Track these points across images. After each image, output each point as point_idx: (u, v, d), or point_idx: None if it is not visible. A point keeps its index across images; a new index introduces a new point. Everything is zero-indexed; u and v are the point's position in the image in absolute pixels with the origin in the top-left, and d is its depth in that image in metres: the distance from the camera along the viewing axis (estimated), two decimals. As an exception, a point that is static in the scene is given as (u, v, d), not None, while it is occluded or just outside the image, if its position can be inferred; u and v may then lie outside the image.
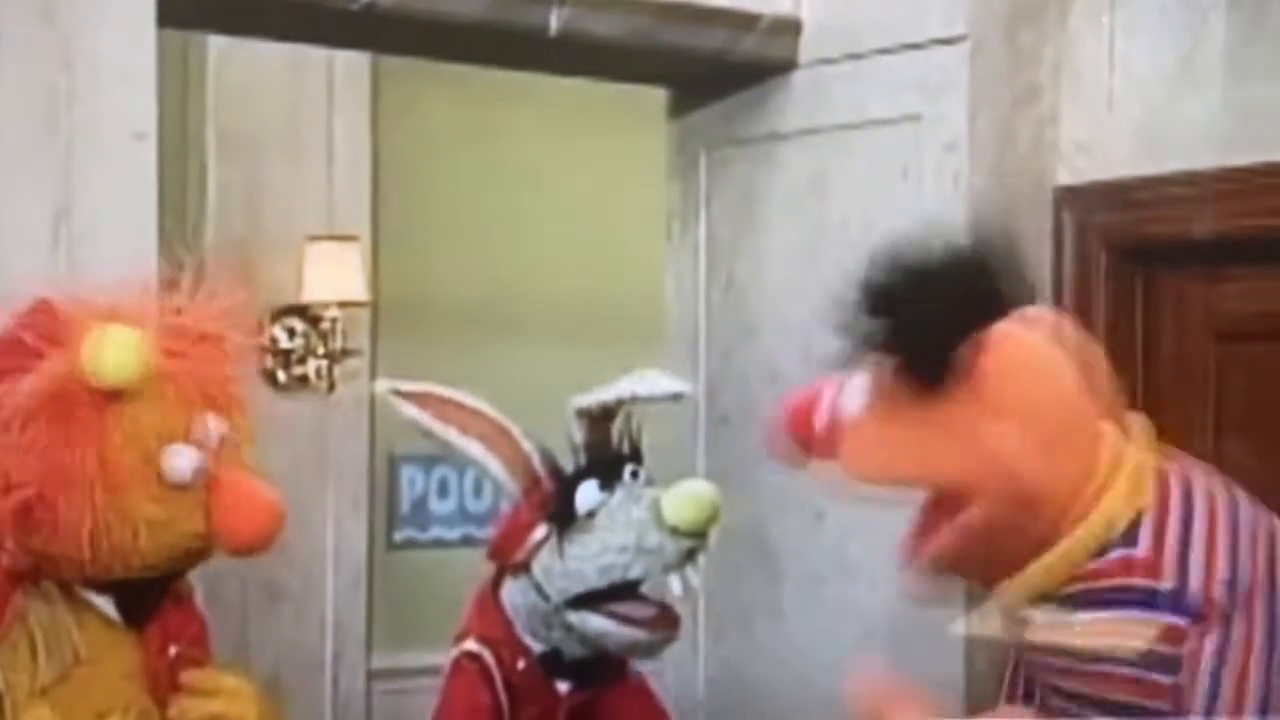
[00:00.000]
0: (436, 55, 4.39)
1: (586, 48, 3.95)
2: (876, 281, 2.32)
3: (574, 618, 3.05)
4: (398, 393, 3.08)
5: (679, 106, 4.48)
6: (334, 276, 5.77)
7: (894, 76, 3.93)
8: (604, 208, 6.25)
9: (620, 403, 3.07)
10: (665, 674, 4.18)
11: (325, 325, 5.85)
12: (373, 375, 5.55)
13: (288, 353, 5.85)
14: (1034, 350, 2.36)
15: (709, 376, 4.33)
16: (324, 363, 5.88)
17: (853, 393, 2.39)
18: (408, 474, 6.22)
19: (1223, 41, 3.65)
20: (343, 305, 5.81)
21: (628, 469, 3.08)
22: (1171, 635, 2.26)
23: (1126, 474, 2.33)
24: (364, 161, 6.04)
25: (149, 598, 2.62)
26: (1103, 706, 2.31)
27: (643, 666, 3.36)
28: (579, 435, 3.08)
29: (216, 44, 5.58)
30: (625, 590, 3.04)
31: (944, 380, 2.27)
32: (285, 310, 5.83)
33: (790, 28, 4.11)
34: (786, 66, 4.15)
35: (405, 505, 6.26)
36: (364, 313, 5.96)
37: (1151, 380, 3.71)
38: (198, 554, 2.60)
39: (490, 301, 6.17)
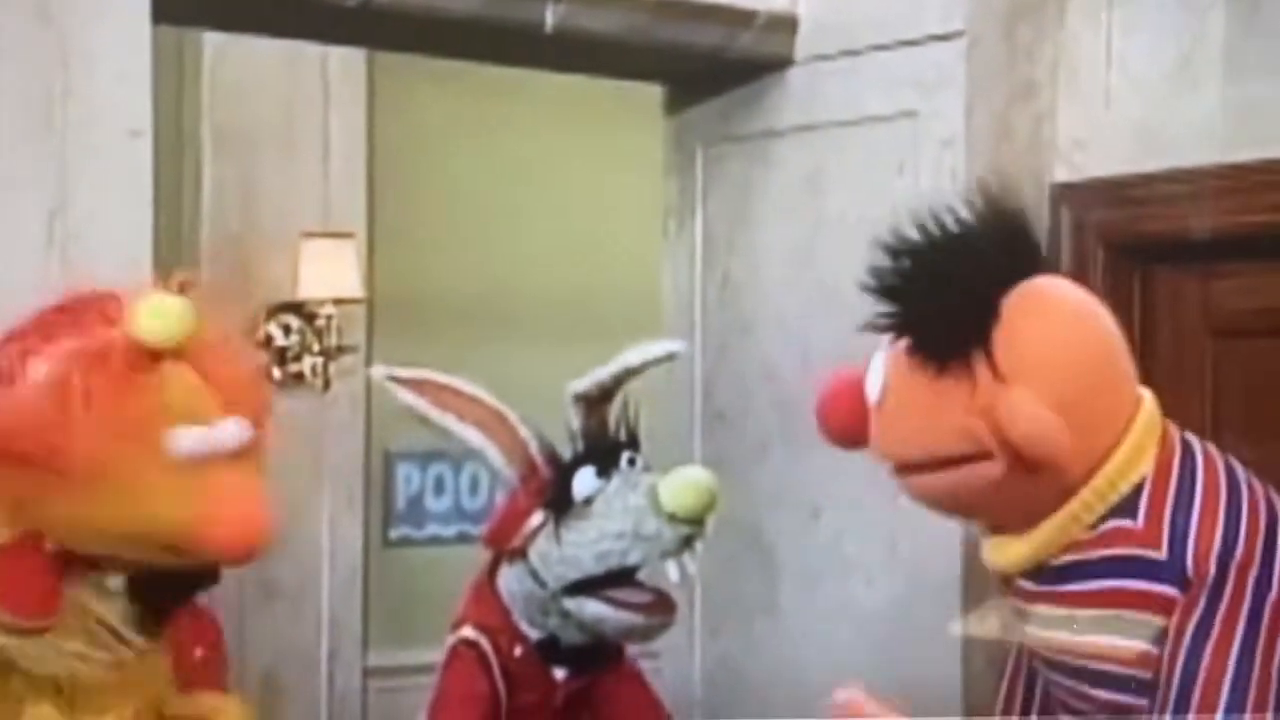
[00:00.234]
0: (432, 51, 4.39)
1: (582, 44, 3.95)
2: (882, 266, 2.34)
3: (571, 604, 3.06)
4: (395, 379, 3.08)
5: (675, 103, 4.48)
6: (329, 273, 5.77)
7: (890, 73, 3.92)
8: (600, 204, 6.25)
9: (616, 380, 3.07)
10: (662, 670, 4.18)
11: (321, 322, 5.84)
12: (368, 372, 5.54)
13: (283, 350, 5.84)
14: (1052, 317, 2.37)
15: (705, 373, 4.33)
16: (319, 360, 5.87)
17: (873, 377, 2.40)
18: (403, 471, 6.21)
19: (1220, 39, 3.65)
20: (338, 302, 5.81)
21: (625, 456, 3.08)
22: (1164, 604, 2.28)
23: (1129, 442, 2.34)
24: (359, 158, 6.03)
25: (158, 608, 2.62)
26: (1092, 677, 2.32)
27: (639, 663, 3.36)
28: (576, 421, 3.09)
29: (212, 41, 5.58)
30: (622, 576, 3.05)
31: (955, 356, 2.28)
32: (280, 307, 5.82)
33: (786, 24, 4.11)
34: (783, 63, 4.14)
35: (401, 503, 6.25)
36: (359, 309, 5.95)
37: (1148, 377, 3.70)
38: (176, 547, 2.56)
39: (486, 298, 6.16)
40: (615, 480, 3.05)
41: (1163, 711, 2.25)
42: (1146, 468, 2.35)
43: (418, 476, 6.24)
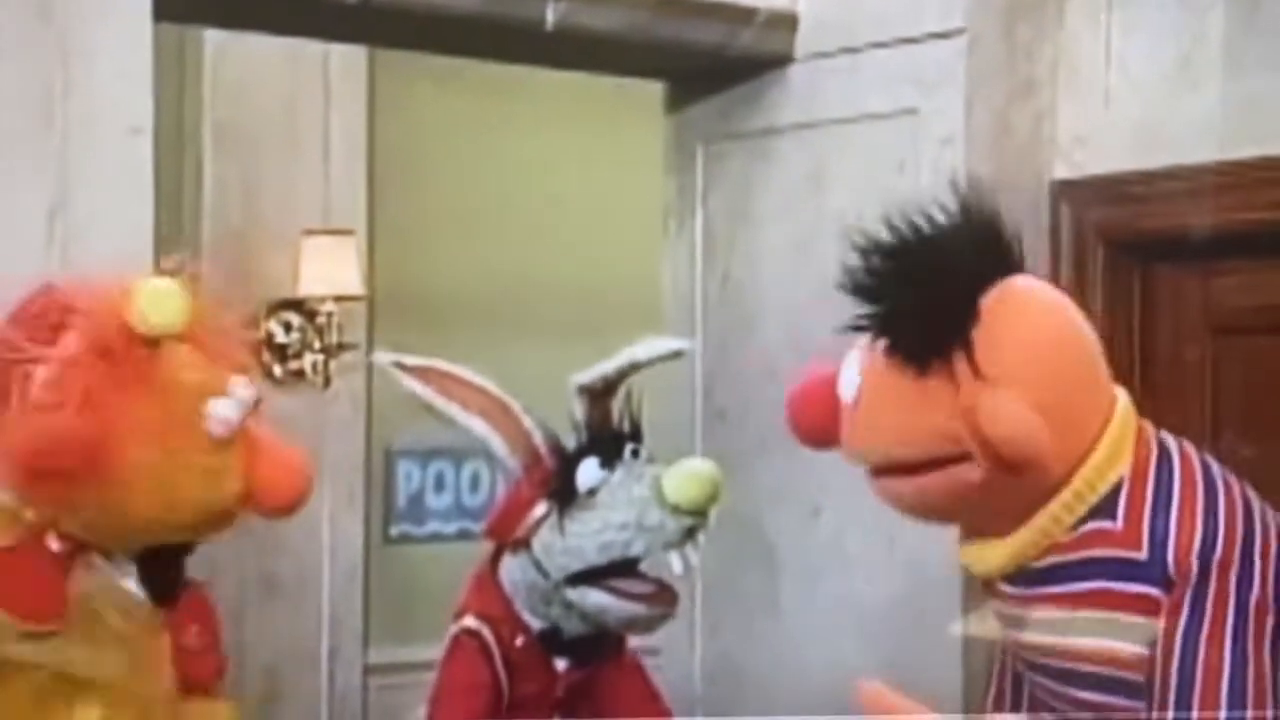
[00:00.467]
0: (433, 49, 4.39)
1: (583, 41, 3.95)
2: (859, 266, 2.34)
3: (573, 594, 3.06)
4: (399, 365, 3.09)
5: (676, 100, 4.48)
6: (330, 271, 5.76)
7: (890, 71, 3.92)
8: (601, 202, 6.24)
9: (621, 373, 3.08)
10: (662, 666, 4.18)
11: (321, 320, 5.84)
12: (369, 370, 5.54)
13: (284, 347, 5.84)
14: (1032, 317, 2.36)
15: (705, 370, 4.33)
16: (320, 357, 5.87)
17: (847, 377, 2.39)
18: (404, 468, 6.21)
19: (1220, 36, 3.65)
20: (339, 299, 5.81)
21: (629, 447, 3.08)
22: (1146, 605, 2.28)
23: (1106, 442, 2.34)
24: (360, 155, 6.03)
25: (171, 577, 2.64)
26: (1080, 680, 2.32)
27: (641, 659, 3.36)
28: (580, 413, 3.09)
29: (213, 38, 5.57)
30: (624, 567, 3.05)
31: (935, 356, 2.27)
32: (281, 304, 5.82)
33: (787, 22, 4.11)
34: (783, 61, 4.15)
35: (401, 500, 6.25)
36: (360, 307, 5.95)
37: (1148, 374, 3.71)
38: (230, 517, 2.63)
39: (487, 295, 6.16)
40: (619, 471, 3.05)
41: (1163, 713, 2.25)
42: (1124, 468, 2.35)
43: (418, 473, 6.24)
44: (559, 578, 3.05)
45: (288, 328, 5.84)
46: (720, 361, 4.31)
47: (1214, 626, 2.25)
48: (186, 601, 2.69)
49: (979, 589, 2.68)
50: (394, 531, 6.24)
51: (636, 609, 3.07)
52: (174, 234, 5.04)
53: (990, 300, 2.32)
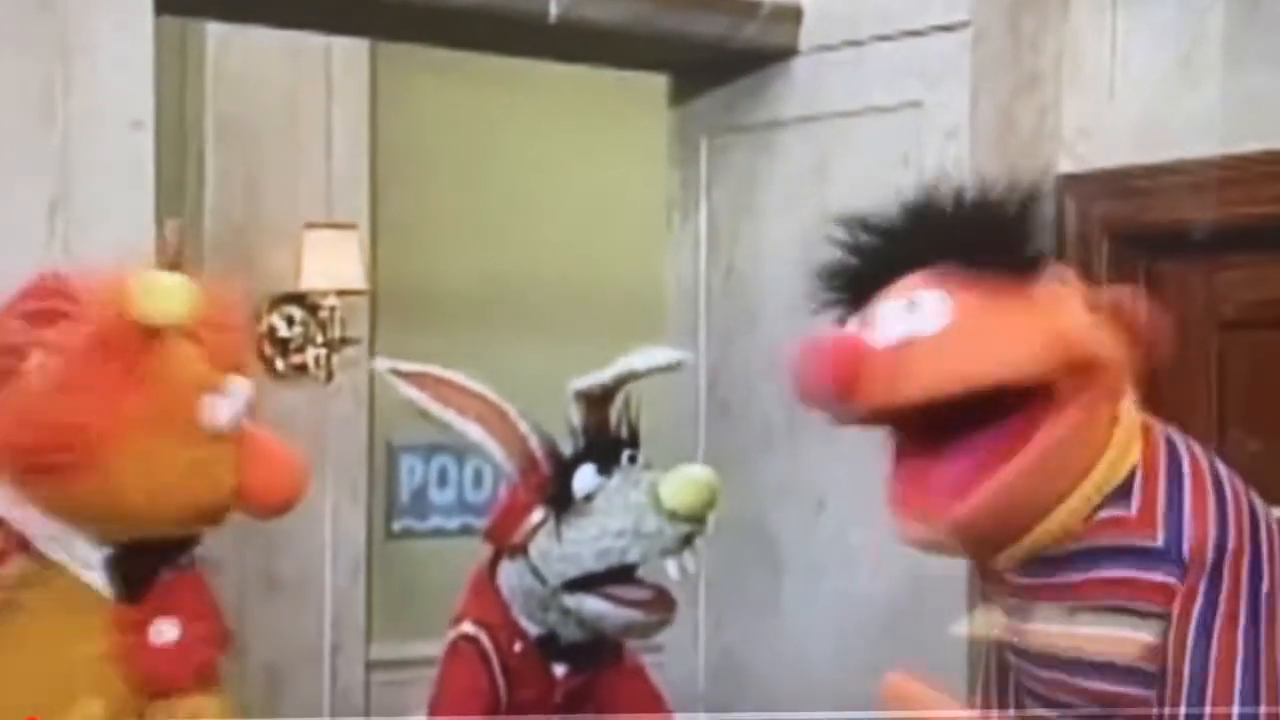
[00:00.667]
0: (435, 42, 4.38)
1: (586, 34, 3.94)
2: (943, 199, 2.37)
3: (570, 600, 3.05)
4: (397, 372, 3.09)
5: (680, 93, 4.47)
6: (332, 265, 5.76)
7: (895, 63, 3.92)
8: (604, 195, 6.23)
9: (619, 381, 3.07)
10: (665, 663, 4.17)
11: (324, 314, 5.84)
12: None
13: (286, 341, 5.84)
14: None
15: (709, 365, 4.32)
16: (322, 351, 5.86)
17: (892, 320, 2.35)
18: (407, 463, 6.21)
19: (1223, 30, 3.65)
20: (341, 293, 5.80)
21: (626, 453, 3.08)
22: (1162, 593, 2.27)
23: (1120, 432, 2.34)
24: (362, 149, 6.02)
25: (145, 572, 2.63)
26: (1091, 669, 2.31)
27: (643, 657, 3.35)
28: (577, 419, 3.08)
29: (214, 31, 5.57)
30: (622, 573, 3.04)
31: (1024, 280, 2.30)
32: (283, 298, 5.82)
33: (791, 14, 4.10)
34: (787, 53, 4.14)
35: (404, 495, 6.24)
36: (362, 301, 5.94)
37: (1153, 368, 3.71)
38: (221, 513, 2.63)
39: (489, 289, 6.16)
40: (616, 478, 3.04)
41: (1175, 702, 2.24)
42: (1135, 458, 2.35)
43: (421, 468, 6.24)
44: (556, 584, 3.05)
45: (290, 322, 5.84)
46: (723, 355, 4.30)
47: (1228, 615, 2.25)
48: (156, 597, 2.67)
49: (980, 582, 2.67)
50: (396, 527, 6.24)
51: (634, 616, 3.06)
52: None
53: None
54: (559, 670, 3.15)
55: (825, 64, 4.07)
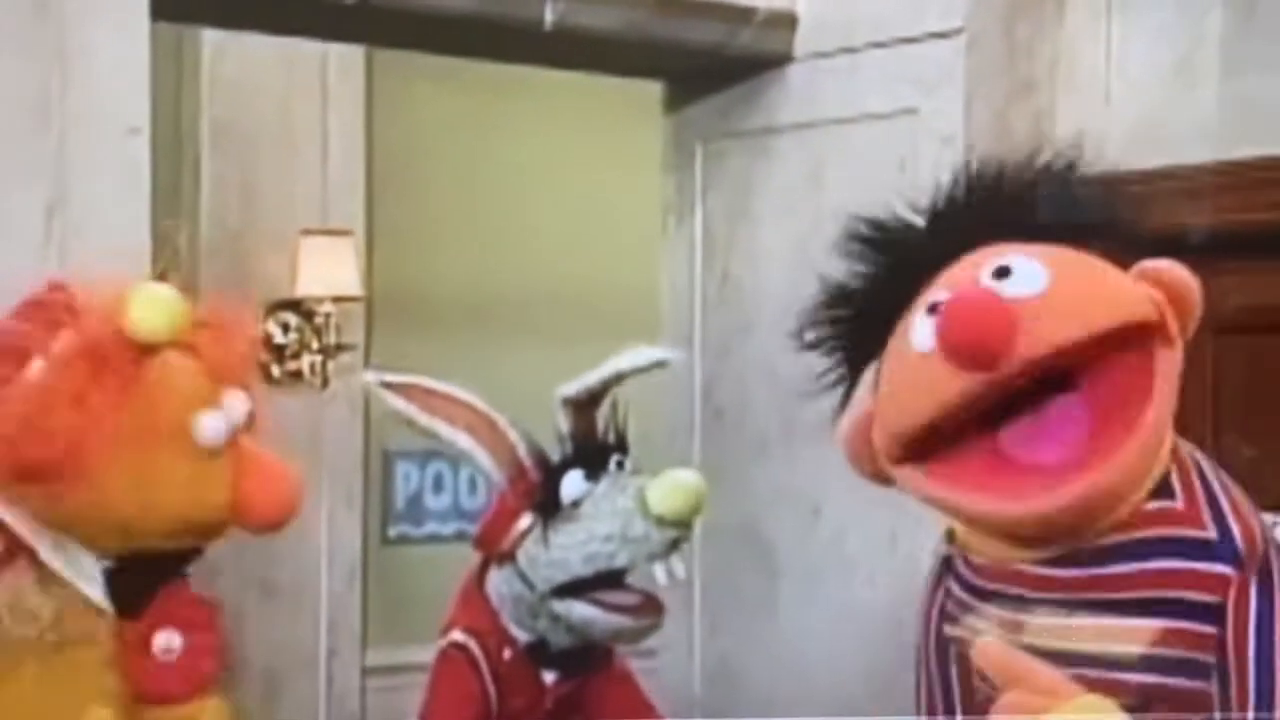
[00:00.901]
0: (431, 49, 4.39)
1: (581, 41, 3.95)
2: (985, 179, 2.46)
3: (559, 606, 3.06)
4: (385, 384, 3.09)
5: (675, 100, 4.47)
6: (328, 271, 5.76)
7: (890, 70, 3.92)
8: (599, 201, 6.24)
9: (606, 385, 3.07)
10: (661, 669, 4.18)
11: (319, 320, 5.83)
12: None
13: (281, 348, 5.83)
14: None
15: (705, 371, 4.33)
16: (318, 358, 5.86)
17: (1026, 279, 2.31)
18: (402, 469, 6.21)
19: (1218, 37, 3.66)
20: (337, 300, 5.80)
21: (613, 459, 3.08)
22: (1218, 585, 2.26)
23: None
24: (358, 155, 6.02)
25: (145, 586, 2.63)
26: (1135, 662, 2.28)
27: (639, 663, 3.35)
28: (565, 425, 3.09)
29: (210, 38, 5.57)
30: (610, 579, 3.05)
31: (1122, 239, 2.34)
32: (279, 305, 5.81)
33: (786, 21, 4.11)
34: (782, 60, 4.14)
35: (400, 501, 6.24)
36: (358, 307, 5.94)
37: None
38: (216, 529, 2.63)
39: (485, 295, 6.16)
40: (603, 483, 3.05)
41: (1242, 702, 2.23)
42: (1167, 457, 2.35)
43: (416, 475, 6.24)
44: (544, 590, 3.05)
45: (285, 328, 5.84)
46: (719, 361, 4.31)
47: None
48: (158, 610, 2.67)
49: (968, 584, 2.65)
50: (392, 533, 6.24)
51: (623, 621, 3.07)
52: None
53: None
54: (549, 677, 3.16)
55: (820, 71, 4.08)
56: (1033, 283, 2.26)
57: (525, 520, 3.08)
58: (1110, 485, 2.23)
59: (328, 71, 5.88)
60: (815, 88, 4.09)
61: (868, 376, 2.44)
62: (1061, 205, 2.43)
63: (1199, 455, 2.40)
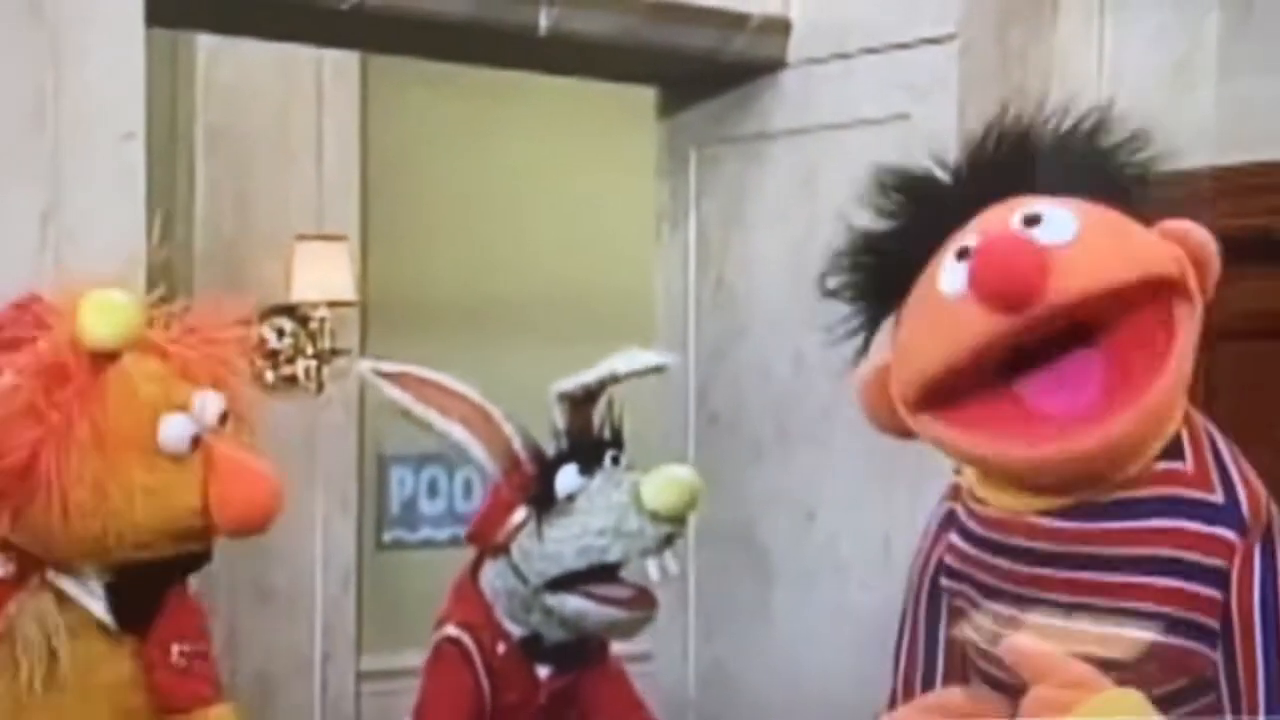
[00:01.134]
0: (426, 54, 4.39)
1: (576, 47, 3.95)
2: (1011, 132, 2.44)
3: (552, 600, 3.06)
4: (380, 373, 3.09)
5: (669, 106, 4.48)
6: (323, 276, 5.76)
7: (883, 76, 3.93)
8: (593, 206, 6.24)
9: (602, 384, 3.08)
10: (656, 674, 4.18)
11: (314, 325, 5.84)
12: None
13: (276, 353, 5.83)
14: None
15: (699, 376, 4.33)
16: (313, 363, 5.86)
17: (1057, 227, 2.32)
18: (397, 474, 6.21)
19: (1213, 41, 3.66)
20: (331, 305, 5.80)
21: (609, 454, 3.09)
22: (1221, 548, 2.26)
23: None
24: (353, 161, 6.03)
25: (147, 598, 2.62)
26: (1142, 619, 2.28)
27: (633, 667, 3.36)
28: (560, 420, 3.09)
29: (205, 43, 5.57)
30: (603, 573, 3.05)
31: (1143, 196, 2.36)
32: (274, 310, 5.81)
33: (780, 27, 4.11)
34: (776, 66, 4.15)
35: (394, 506, 6.25)
36: (353, 312, 5.95)
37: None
38: (194, 534, 2.59)
39: (480, 300, 6.16)
40: (598, 478, 3.06)
41: (1249, 669, 2.23)
42: (1181, 414, 2.35)
43: (411, 479, 6.24)
44: (538, 583, 3.06)
45: (280, 333, 5.84)
46: (713, 365, 4.31)
47: None
48: (168, 621, 2.66)
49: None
50: (387, 538, 6.24)
51: (616, 614, 3.07)
52: (166, 239, 5.04)
53: None
54: (543, 672, 3.16)
55: (814, 76, 4.08)
56: (1063, 231, 2.26)
57: (519, 514, 3.08)
58: (1126, 435, 2.22)
59: (323, 77, 5.88)
60: (809, 93, 4.10)
61: (887, 327, 2.44)
62: (1089, 161, 2.44)
63: (1210, 424, 2.40)
